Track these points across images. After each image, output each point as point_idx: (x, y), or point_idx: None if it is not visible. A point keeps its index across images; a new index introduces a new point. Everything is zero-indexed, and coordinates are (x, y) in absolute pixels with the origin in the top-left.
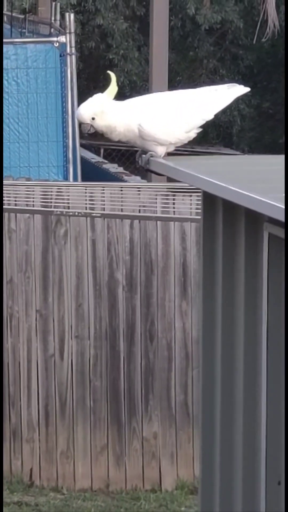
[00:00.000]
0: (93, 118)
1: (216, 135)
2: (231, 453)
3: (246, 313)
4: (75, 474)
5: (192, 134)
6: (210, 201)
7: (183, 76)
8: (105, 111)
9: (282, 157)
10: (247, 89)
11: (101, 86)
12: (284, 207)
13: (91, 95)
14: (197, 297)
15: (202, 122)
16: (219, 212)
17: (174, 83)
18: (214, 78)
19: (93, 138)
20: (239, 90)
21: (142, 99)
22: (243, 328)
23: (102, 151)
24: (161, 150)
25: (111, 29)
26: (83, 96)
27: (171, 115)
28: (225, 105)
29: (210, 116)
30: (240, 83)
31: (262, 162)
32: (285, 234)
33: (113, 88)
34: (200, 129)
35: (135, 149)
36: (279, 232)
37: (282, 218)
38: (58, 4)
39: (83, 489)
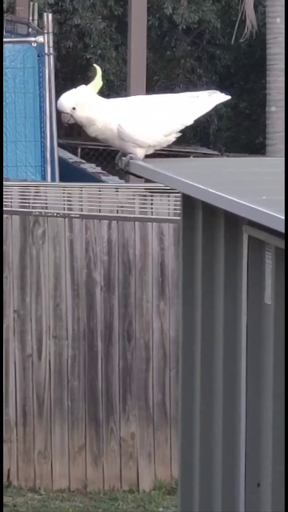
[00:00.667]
0: (74, 108)
1: (193, 134)
2: (210, 455)
3: (226, 315)
4: (53, 475)
5: (171, 138)
6: (189, 203)
7: (161, 75)
8: (88, 103)
9: (261, 159)
10: (228, 97)
11: (79, 86)
12: (262, 209)
13: None
14: (175, 297)
15: (182, 127)
16: (198, 214)
17: (151, 83)
18: (191, 77)
19: (70, 137)
20: (220, 97)
21: (124, 100)
22: (222, 329)
23: (79, 150)
24: (140, 152)
25: (88, 29)
26: (60, 95)
27: (151, 118)
28: (205, 111)
29: (189, 121)
30: (217, 83)
31: (241, 164)
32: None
33: (97, 82)
34: (180, 134)
35: (112, 148)
36: (258, 234)
37: (261, 221)
38: (36, 4)
39: (61, 490)
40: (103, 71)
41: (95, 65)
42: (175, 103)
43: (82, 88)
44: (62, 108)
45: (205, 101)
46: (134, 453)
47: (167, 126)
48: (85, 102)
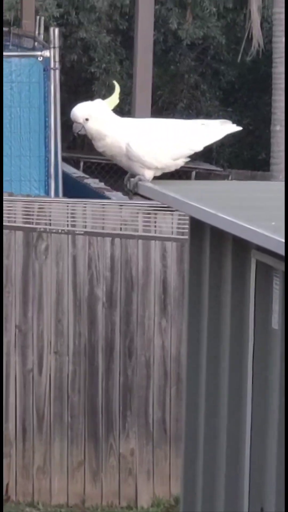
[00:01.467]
0: (86, 119)
1: None
2: (213, 477)
3: (232, 339)
4: (51, 490)
5: (180, 162)
6: (197, 226)
7: (165, 90)
8: (101, 117)
9: (268, 183)
10: (239, 128)
11: (82, 99)
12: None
13: (71, 109)
14: (176, 315)
15: (191, 152)
16: (206, 237)
17: (155, 97)
18: (195, 93)
19: (73, 150)
20: (231, 128)
21: (137, 121)
22: (228, 352)
23: (81, 164)
24: (148, 174)
25: (93, 42)
26: (64, 109)
27: (160, 141)
28: (215, 139)
29: (199, 147)
30: (220, 99)
31: (249, 188)
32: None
33: (114, 98)
34: (188, 159)
35: (115, 163)
36: (266, 259)
37: (270, 246)
38: (43, 18)
39: (59, 505)
40: (107, 86)
41: (115, 82)
42: (187, 128)
43: (98, 101)
44: (75, 117)
45: (216, 129)
46: (133, 470)
47: (176, 151)
48: (98, 116)
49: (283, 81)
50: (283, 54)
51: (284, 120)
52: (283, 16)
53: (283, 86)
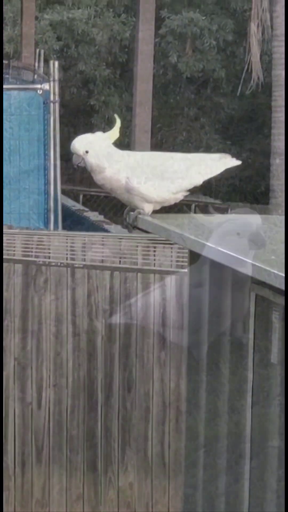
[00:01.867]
0: (86, 152)
1: None
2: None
3: (231, 372)
4: None
5: (179, 196)
6: (196, 259)
7: (164, 123)
8: (101, 150)
9: (267, 217)
10: (238, 162)
11: (82, 131)
12: (268, 268)
13: (71, 141)
14: (175, 348)
15: (190, 186)
16: (205, 270)
17: (154, 130)
18: (194, 126)
19: (72, 183)
20: (230, 162)
21: (136, 154)
22: (228, 386)
23: (81, 197)
24: (148, 208)
25: (93, 75)
26: (63, 141)
27: (160, 175)
28: (214, 174)
29: (198, 182)
30: (220, 132)
31: (248, 221)
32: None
33: (115, 132)
34: (188, 193)
35: (114, 196)
36: (266, 293)
37: (268, 280)
38: (42, 51)
39: None
40: (107, 118)
41: (116, 115)
42: (187, 162)
43: (98, 134)
44: (74, 149)
45: (216, 164)
46: (132, 503)
47: (176, 185)
48: (98, 148)
49: (282, 114)
50: (283, 87)
51: (283, 153)
52: (282, 49)
53: (282, 119)
